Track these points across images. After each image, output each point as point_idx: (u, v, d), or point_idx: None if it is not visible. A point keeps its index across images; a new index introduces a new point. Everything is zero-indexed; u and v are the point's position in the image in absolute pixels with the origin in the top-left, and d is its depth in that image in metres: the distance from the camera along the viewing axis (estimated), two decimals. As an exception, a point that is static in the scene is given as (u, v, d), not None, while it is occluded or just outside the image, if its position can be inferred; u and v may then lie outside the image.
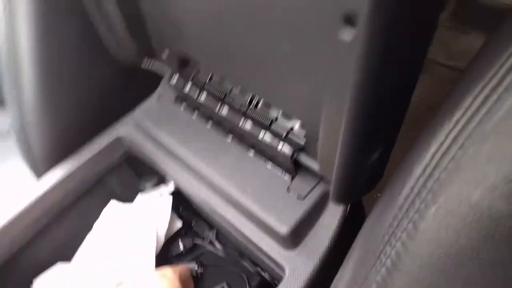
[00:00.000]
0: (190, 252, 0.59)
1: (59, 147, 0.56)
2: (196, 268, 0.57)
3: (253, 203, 0.41)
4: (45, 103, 0.53)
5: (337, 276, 0.32)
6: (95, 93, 0.57)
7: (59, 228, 0.54)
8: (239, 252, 0.59)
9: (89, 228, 0.57)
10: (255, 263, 0.57)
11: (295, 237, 0.39)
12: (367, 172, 0.32)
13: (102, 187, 0.57)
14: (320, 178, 0.41)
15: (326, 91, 0.30)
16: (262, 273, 0.55)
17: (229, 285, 0.57)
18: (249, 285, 0.55)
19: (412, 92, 0.30)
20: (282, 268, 0.39)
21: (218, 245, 0.60)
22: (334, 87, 0.30)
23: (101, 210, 0.58)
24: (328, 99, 0.31)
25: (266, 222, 0.39)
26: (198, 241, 0.61)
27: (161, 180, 0.61)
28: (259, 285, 0.55)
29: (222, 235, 0.62)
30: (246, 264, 0.57)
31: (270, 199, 0.41)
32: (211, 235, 0.61)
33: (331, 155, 0.34)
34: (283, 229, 0.38)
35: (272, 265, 0.41)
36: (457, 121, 0.21)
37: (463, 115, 0.21)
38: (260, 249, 0.41)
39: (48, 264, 0.55)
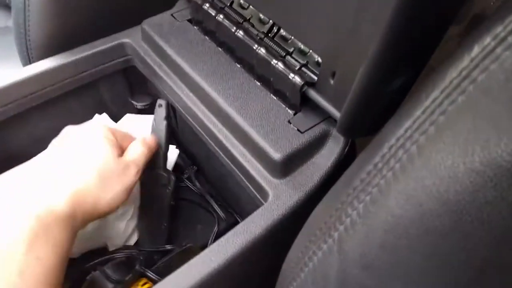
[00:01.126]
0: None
1: (58, 40, 0.53)
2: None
3: (251, 127, 0.39)
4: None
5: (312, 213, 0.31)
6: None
7: (40, 119, 0.52)
8: (215, 192, 0.58)
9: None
10: (229, 204, 0.56)
11: (286, 166, 0.38)
12: (382, 101, 0.31)
13: (94, 91, 0.55)
14: (323, 118, 0.40)
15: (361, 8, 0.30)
16: (235, 215, 0.54)
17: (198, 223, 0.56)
18: (218, 225, 0.54)
19: (447, 27, 0.29)
20: (265, 194, 0.38)
21: (195, 182, 0.59)
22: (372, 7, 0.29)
23: (88, 115, 0.55)
24: (360, 19, 0.30)
25: (260, 146, 0.38)
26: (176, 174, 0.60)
27: (153, 104, 0.59)
28: (228, 227, 0.54)
29: (201, 174, 0.60)
30: (219, 204, 0.56)
31: (269, 126, 0.39)
32: (191, 171, 0.60)
33: (347, 84, 0.33)
34: (277, 155, 0.37)
35: (255, 192, 0.39)
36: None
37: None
38: (246, 173, 0.39)
39: (21, 153, 0.53)
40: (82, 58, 0.51)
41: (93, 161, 0.36)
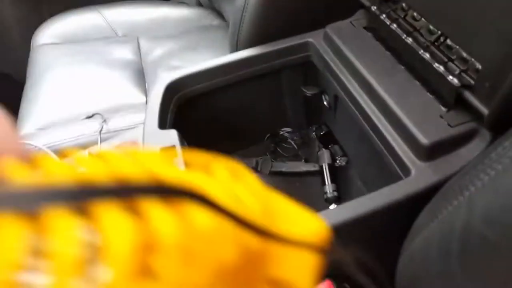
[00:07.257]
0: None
1: (259, 36, 0.69)
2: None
3: (404, 113, 0.47)
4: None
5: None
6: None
7: (233, 94, 0.69)
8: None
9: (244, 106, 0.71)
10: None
11: (431, 152, 0.45)
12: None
13: (276, 77, 0.70)
14: (474, 118, 0.45)
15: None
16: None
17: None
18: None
19: None
20: (406, 170, 0.45)
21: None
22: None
23: (266, 98, 0.71)
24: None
25: (410, 129, 0.46)
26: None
27: (318, 94, 0.71)
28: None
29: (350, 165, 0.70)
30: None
31: (421, 115, 0.47)
32: (343, 161, 0.70)
33: (503, 88, 0.38)
34: (425, 139, 0.44)
35: (397, 168, 0.47)
36: None
37: None
38: (392, 149, 0.47)
39: (219, 116, 0.71)
40: (274, 50, 0.66)
41: None
